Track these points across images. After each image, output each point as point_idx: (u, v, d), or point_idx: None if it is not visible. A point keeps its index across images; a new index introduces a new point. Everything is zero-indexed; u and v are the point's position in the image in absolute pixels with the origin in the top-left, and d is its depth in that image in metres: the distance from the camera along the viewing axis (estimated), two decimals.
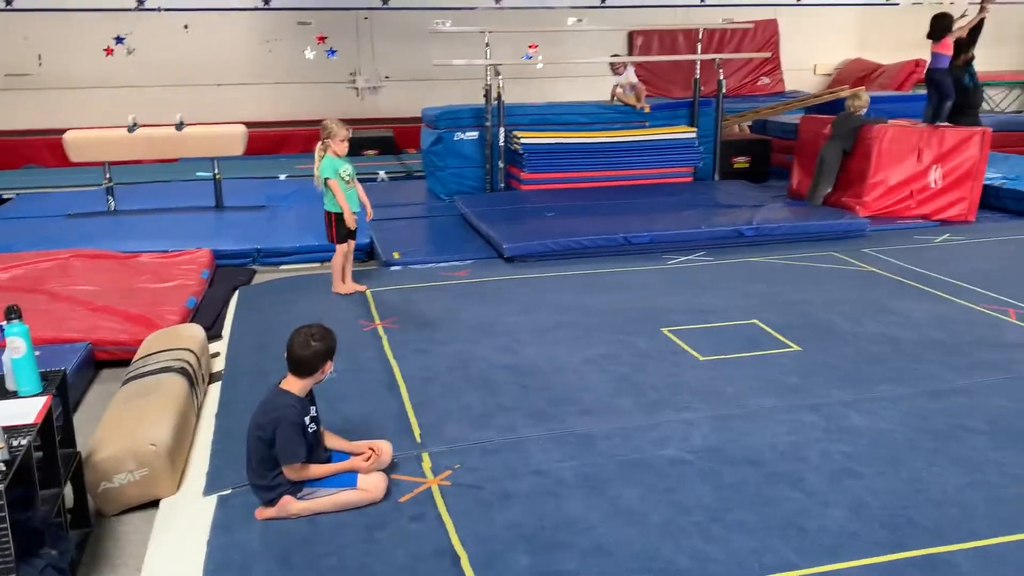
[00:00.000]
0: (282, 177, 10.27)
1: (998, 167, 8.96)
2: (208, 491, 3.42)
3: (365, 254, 7.18)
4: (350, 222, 5.72)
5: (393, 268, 6.61)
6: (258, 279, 6.63)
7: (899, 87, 13.94)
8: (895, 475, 3.40)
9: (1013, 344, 4.80)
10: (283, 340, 4.94)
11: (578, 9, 14.14)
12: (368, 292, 5.91)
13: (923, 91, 12.03)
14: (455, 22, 10.48)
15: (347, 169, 5.72)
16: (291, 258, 7.07)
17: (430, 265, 6.66)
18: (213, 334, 5.22)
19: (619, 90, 9.48)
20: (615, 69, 9.90)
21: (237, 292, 6.12)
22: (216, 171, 8.34)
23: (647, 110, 9.34)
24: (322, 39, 13.51)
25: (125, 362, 4.57)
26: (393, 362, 4.66)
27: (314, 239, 7.06)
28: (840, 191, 8.21)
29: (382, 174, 10.55)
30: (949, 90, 8.54)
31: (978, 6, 9.29)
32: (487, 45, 8.94)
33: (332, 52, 13.61)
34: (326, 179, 5.62)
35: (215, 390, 4.45)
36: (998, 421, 3.83)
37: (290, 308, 5.63)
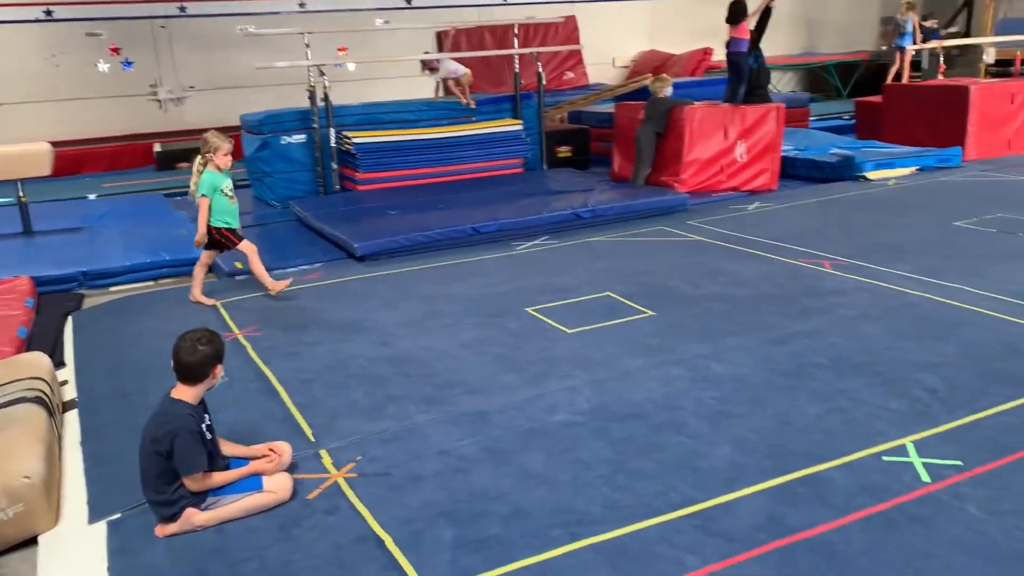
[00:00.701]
0: (92, 197, 9.56)
1: (788, 140, 9.90)
2: (93, 519, 3.20)
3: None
4: (200, 240, 5.52)
5: (239, 278, 6.37)
6: (89, 303, 6.18)
7: (692, 73, 15.02)
8: (763, 412, 3.74)
9: (833, 291, 5.38)
10: (135, 361, 4.76)
11: (385, 10, 14.16)
12: (219, 304, 5.69)
13: (711, 77, 13.12)
14: (259, 27, 10.21)
15: (228, 184, 5.53)
16: (122, 278, 6.62)
17: (276, 271, 6.46)
18: (55, 362, 4.83)
19: (451, 81, 9.61)
20: (428, 65, 10.00)
21: (70, 318, 5.68)
22: (21, 193, 7.65)
23: (473, 105, 9.53)
24: (116, 50, 12.67)
25: None
26: (264, 368, 4.53)
27: (145, 256, 6.68)
28: (659, 171, 8.78)
29: None
30: (745, 73, 9.32)
31: None
32: (307, 46, 8.78)
33: (128, 64, 12.80)
34: (201, 195, 5.40)
35: (72, 418, 4.14)
36: (836, 356, 4.31)
37: (135, 328, 5.32)
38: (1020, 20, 15.87)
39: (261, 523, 3.05)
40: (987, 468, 3.16)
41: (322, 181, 8.81)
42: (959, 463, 3.20)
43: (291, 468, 3.37)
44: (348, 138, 8.68)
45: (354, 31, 13.16)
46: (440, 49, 14.46)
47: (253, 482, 3.14)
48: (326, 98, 8.62)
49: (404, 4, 14.34)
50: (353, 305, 5.56)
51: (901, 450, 3.32)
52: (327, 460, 3.49)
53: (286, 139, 8.78)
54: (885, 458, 3.27)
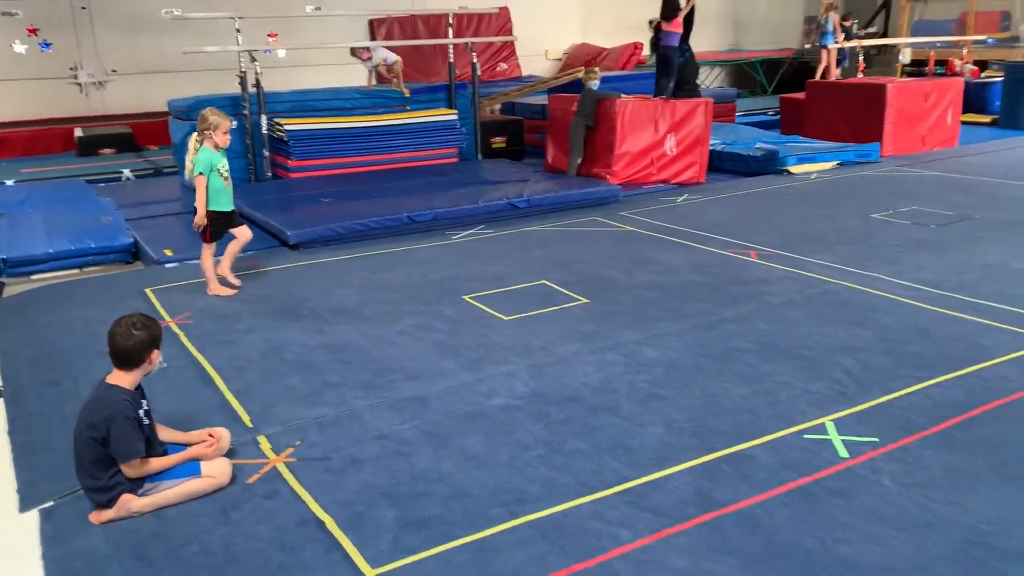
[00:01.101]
0: (9, 183, 9.21)
1: (716, 135, 10.18)
2: (24, 507, 3.14)
3: (131, 255, 6.73)
4: (200, 221, 5.33)
5: (169, 266, 6.26)
6: (10, 291, 5.98)
7: (623, 67, 15.25)
8: (691, 394, 3.89)
9: (759, 279, 5.58)
10: (63, 350, 4.66)
11: None
12: (149, 292, 5.58)
13: (641, 71, 13.34)
14: (185, 10, 9.97)
15: (224, 164, 5.34)
16: (45, 266, 6.42)
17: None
18: None
19: (383, 68, 9.57)
20: (357, 54, 9.92)
21: None
22: None
23: (407, 93, 9.51)
24: (34, 31, 12.18)
25: None
26: (199, 356, 4.48)
27: (69, 244, 6.50)
28: (592, 163, 8.93)
29: (127, 173, 9.83)
30: (675, 67, 9.52)
31: None
32: (238, 31, 8.62)
33: (47, 45, 12.31)
34: (198, 174, 5.21)
35: None
36: (762, 340, 4.49)
37: (61, 317, 5.19)
38: (934, 22, 16.61)
39: (200, 508, 3.05)
40: (900, 444, 3.36)
41: (253, 168, 8.68)
42: (875, 440, 3.39)
43: (230, 454, 3.36)
44: (280, 125, 8.57)
45: (285, 17, 12.93)
46: (373, 37, 14.35)
47: (191, 467, 3.13)
48: (257, 84, 8.49)
49: None
50: (287, 293, 5.53)
51: (821, 428, 3.50)
52: (265, 445, 3.49)
53: None
54: (806, 436, 3.45)
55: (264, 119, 8.53)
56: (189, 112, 8.65)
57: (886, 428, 3.48)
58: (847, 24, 14.16)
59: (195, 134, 5.33)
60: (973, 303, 4.92)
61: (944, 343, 4.35)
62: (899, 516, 2.89)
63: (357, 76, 12.63)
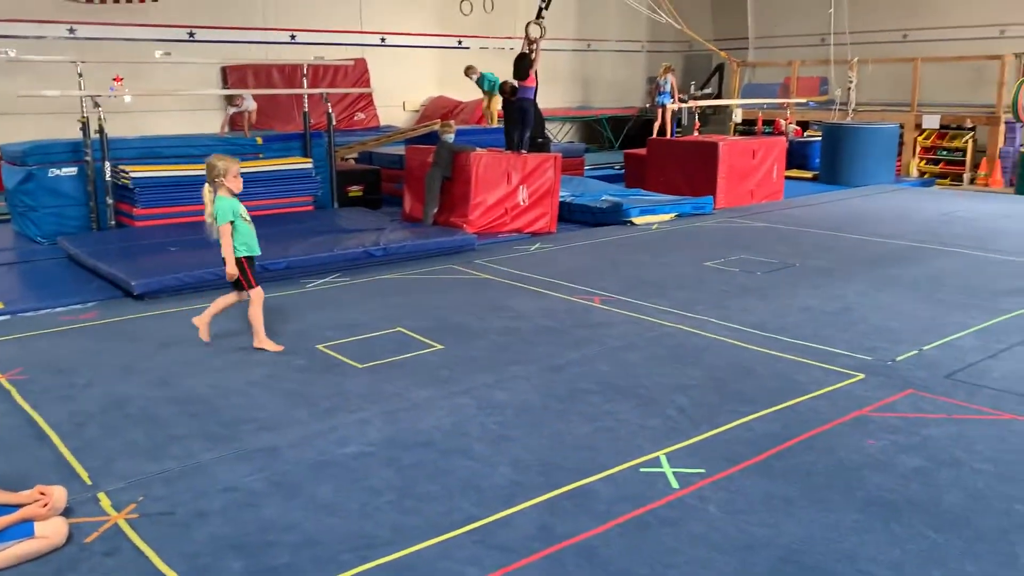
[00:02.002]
0: None
1: (565, 187, 10.65)
2: None
3: None
4: (232, 272, 5.11)
5: (1, 318, 5.93)
6: None
7: (478, 121, 15.70)
8: (539, 433, 4.08)
9: (601, 323, 5.90)
10: None
11: (166, 42, 13.68)
12: None
13: (494, 125, 13.82)
14: (21, 52, 9.57)
15: (243, 209, 5.12)
16: None
17: (45, 312, 6.09)
18: None
19: (237, 115, 9.48)
20: (233, 101, 9.84)
21: None
22: None
23: (259, 141, 9.45)
24: None
25: None
26: (33, 412, 4.28)
27: None
28: (448, 212, 9.15)
29: None
30: (531, 119, 9.95)
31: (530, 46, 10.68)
32: (80, 76, 8.34)
33: None
34: (226, 223, 4.99)
35: None
36: (603, 381, 4.76)
37: None
38: (762, 85, 18.08)
39: (35, 570, 2.93)
40: (725, 474, 3.66)
41: (95, 217, 8.36)
42: (702, 471, 3.68)
43: (67, 512, 3.24)
44: (126, 172, 8.31)
45: (134, 62, 12.57)
46: (225, 85, 14.15)
47: (24, 529, 3.00)
48: (100, 130, 8.22)
49: (187, 37, 13.92)
50: (131, 344, 5.36)
51: (655, 462, 3.76)
52: (106, 502, 3.39)
53: (55, 172, 8.27)
54: (642, 469, 3.69)
55: (108, 166, 8.25)
56: (24, 157, 8.27)
57: (713, 459, 3.78)
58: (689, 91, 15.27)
59: (206, 184, 5.13)
60: (791, 343, 5.40)
61: (765, 380, 4.76)
62: (723, 540, 3.15)
63: (209, 123, 12.42)
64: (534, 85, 9.96)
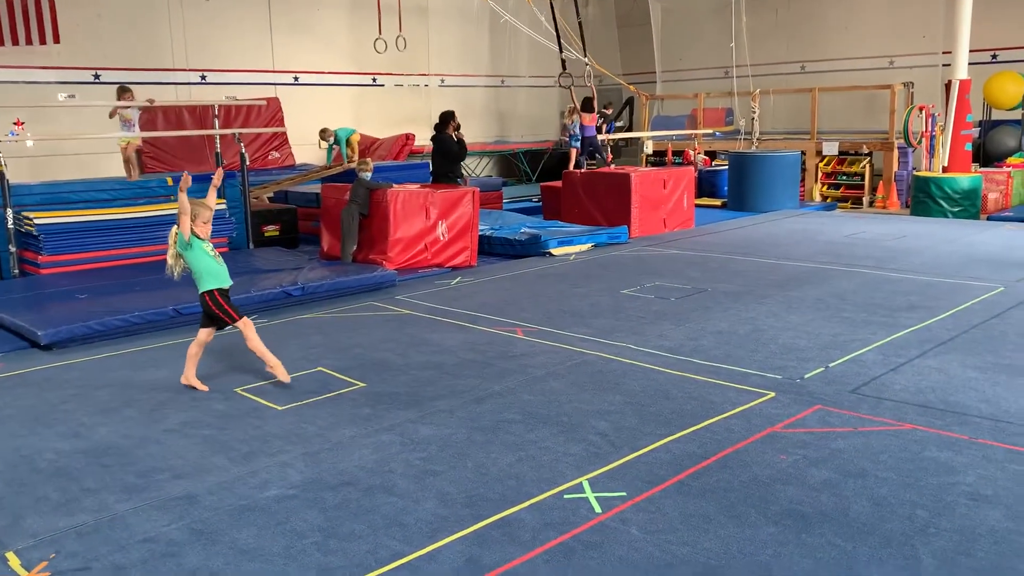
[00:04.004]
0: None
1: (484, 220, 10.79)
2: None
3: None
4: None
5: None
6: None
7: (396, 157, 15.76)
8: (464, 466, 4.10)
9: (524, 354, 5.98)
10: None
11: (71, 84, 13.35)
12: None
13: (413, 161, 13.97)
14: None
15: (210, 246, 5.21)
16: None
17: None
18: None
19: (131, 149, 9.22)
20: (123, 116, 9.50)
21: None
22: None
23: (170, 182, 9.27)
24: None
25: None
26: None
27: None
28: (367, 249, 9.14)
29: None
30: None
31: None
32: None
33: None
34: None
35: None
36: (526, 410, 4.82)
37: None
38: (670, 117, 18.69)
39: None
40: (645, 496, 3.75)
41: None
42: (623, 494, 3.76)
43: None
44: (29, 219, 8.04)
45: (35, 106, 12.21)
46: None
47: None
48: (1, 176, 7.95)
49: (92, 79, 13.60)
50: (39, 396, 5.17)
51: (579, 488, 3.83)
52: (15, 562, 3.26)
53: None
54: (566, 496, 3.75)
55: (10, 212, 7.97)
56: None
57: (633, 482, 3.87)
58: (607, 112, 15.70)
59: (173, 227, 5.13)
60: (705, 365, 5.58)
61: (681, 402, 4.90)
62: (644, 560, 3.22)
63: (116, 167, 12.09)
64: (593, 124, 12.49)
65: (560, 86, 13.34)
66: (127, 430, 4.62)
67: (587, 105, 13.36)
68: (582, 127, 13.29)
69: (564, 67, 12.99)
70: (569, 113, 14.00)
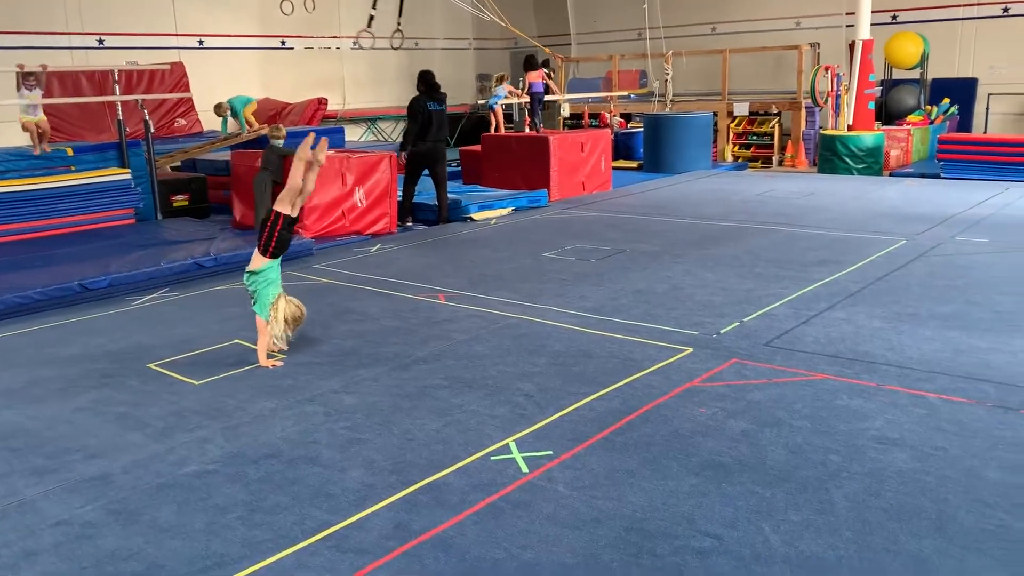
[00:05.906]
0: None
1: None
2: None
3: None
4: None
5: None
6: None
7: (308, 122, 15.37)
8: (390, 433, 4.07)
9: (447, 319, 5.95)
10: None
11: None
12: None
13: (327, 125, 13.61)
14: None
15: None
16: None
17: None
18: None
19: (33, 127, 8.70)
20: (25, 82, 8.83)
21: None
22: None
23: (70, 152, 8.82)
24: None
25: None
26: None
27: None
28: None
29: None
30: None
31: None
32: None
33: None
34: None
35: None
36: (451, 376, 4.81)
37: None
38: (586, 80, 18.73)
39: None
40: (571, 453, 3.80)
41: None
42: (550, 453, 3.80)
43: None
44: None
45: None
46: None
47: None
48: None
49: None
50: None
51: (505, 449, 3.85)
52: None
53: None
54: (493, 458, 3.77)
55: None
56: None
57: (559, 441, 3.92)
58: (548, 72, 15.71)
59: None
60: (626, 324, 5.66)
61: (603, 361, 4.97)
62: (571, 517, 3.27)
63: (12, 137, 11.44)
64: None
65: (360, 48, 12.51)
66: (34, 411, 4.42)
67: (531, 63, 13.17)
68: (531, 84, 13.11)
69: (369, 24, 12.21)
70: (497, 81, 13.85)
